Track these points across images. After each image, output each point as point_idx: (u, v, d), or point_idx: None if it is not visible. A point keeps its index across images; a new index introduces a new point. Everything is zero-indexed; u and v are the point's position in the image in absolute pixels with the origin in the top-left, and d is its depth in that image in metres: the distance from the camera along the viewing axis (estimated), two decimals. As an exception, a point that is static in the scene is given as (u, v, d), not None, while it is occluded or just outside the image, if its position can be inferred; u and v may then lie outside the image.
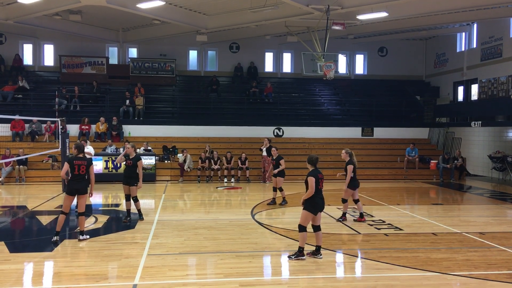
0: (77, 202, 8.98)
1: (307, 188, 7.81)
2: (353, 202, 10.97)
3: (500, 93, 20.08)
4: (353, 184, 10.54)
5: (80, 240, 8.87)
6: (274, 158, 13.50)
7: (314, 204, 7.82)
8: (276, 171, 13.22)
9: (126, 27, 24.60)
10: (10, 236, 9.80)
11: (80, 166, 8.81)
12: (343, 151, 10.83)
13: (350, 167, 10.42)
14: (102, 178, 17.25)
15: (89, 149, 16.60)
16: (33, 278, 7.06)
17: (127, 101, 22.19)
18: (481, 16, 20.20)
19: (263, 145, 17.74)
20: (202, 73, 26.75)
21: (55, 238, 8.69)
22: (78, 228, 9.08)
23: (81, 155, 8.97)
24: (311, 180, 7.73)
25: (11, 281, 6.76)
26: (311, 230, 7.99)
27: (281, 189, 13.22)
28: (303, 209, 7.87)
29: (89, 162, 9.04)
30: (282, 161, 13.16)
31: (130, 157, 10.70)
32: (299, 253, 7.79)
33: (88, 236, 9.09)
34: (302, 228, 7.80)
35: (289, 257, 7.83)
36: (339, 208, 11.68)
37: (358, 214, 11.04)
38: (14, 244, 8.97)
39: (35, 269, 7.41)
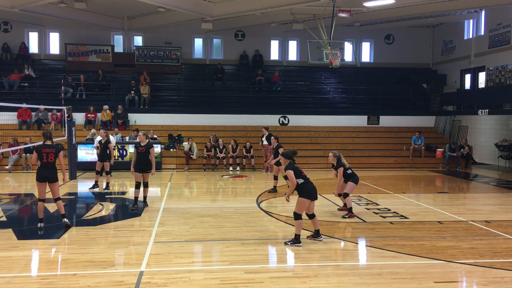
0: (50, 190, 8.87)
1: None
2: (339, 195, 10.59)
3: (508, 81, 19.88)
4: (356, 179, 10.32)
5: (65, 222, 8.88)
6: (274, 147, 13.51)
7: (308, 190, 7.96)
8: (274, 160, 13.25)
9: (131, 15, 24.50)
10: (17, 223, 9.90)
11: (48, 154, 8.74)
12: (330, 154, 10.45)
13: (340, 170, 10.18)
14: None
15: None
16: (40, 264, 7.14)
17: (133, 90, 22.18)
18: (489, 3, 19.94)
19: (262, 135, 17.83)
20: (207, 61, 26.67)
21: (39, 224, 8.83)
22: (44, 218, 8.97)
23: (48, 143, 8.89)
24: (290, 173, 7.89)
25: (19, 268, 6.86)
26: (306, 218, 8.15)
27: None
28: (299, 196, 7.98)
29: (58, 149, 8.96)
30: (281, 150, 13.08)
31: (142, 145, 10.78)
32: (295, 240, 7.92)
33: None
34: (297, 216, 7.91)
35: (285, 243, 7.98)
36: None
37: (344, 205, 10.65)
38: (22, 231, 9.07)
39: (42, 256, 7.49)
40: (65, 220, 8.99)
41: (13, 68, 22.77)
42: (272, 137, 13.95)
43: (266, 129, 17.79)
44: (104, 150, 13.69)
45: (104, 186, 13.70)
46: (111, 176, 14.17)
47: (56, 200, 8.98)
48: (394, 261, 7.18)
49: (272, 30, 25.85)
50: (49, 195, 9.21)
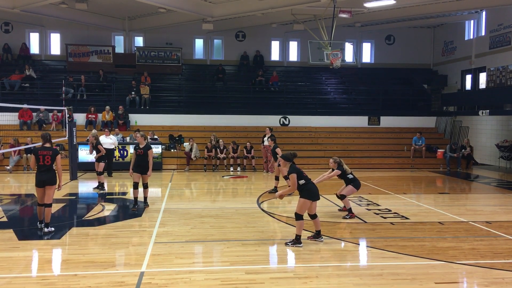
0: (45, 193, 8.63)
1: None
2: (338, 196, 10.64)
3: (509, 81, 19.87)
4: (357, 184, 10.42)
5: (44, 232, 8.60)
6: (271, 149, 13.66)
7: (310, 191, 7.98)
8: (277, 163, 13.30)
9: (132, 16, 24.53)
10: (18, 224, 9.90)
11: (44, 157, 8.54)
12: (331, 160, 10.53)
13: (337, 171, 10.30)
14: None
15: (112, 139, 16.65)
16: (41, 265, 7.14)
17: (134, 90, 22.18)
18: (490, 4, 19.94)
19: (264, 135, 17.84)
20: (208, 62, 26.69)
21: (39, 225, 8.81)
22: (44, 220, 8.68)
23: (47, 145, 8.72)
24: (293, 178, 7.89)
25: (20, 268, 6.86)
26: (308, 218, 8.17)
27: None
28: (300, 197, 7.98)
29: (55, 152, 8.71)
30: (277, 150, 13.32)
31: (141, 147, 10.81)
32: (296, 241, 7.92)
33: (53, 229, 8.74)
34: (298, 217, 7.90)
35: (286, 244, 7.97)
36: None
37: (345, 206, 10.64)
38: (23, 231, 9.06)
39: (43, 257, 7.48)
40: (46, 229, 8.63)
41: (14, 68, 22.79)
42: (269, 139, 14.07)
43: (270, 129, 17.74)
44: (96, 152, 13.82)
45: (101, 186, 13.70)
46: (109, 176, 14.17)
47: (46, 206, 8.62)
48: (394, 262, 7.17)
49: (272, 31, 25.85)
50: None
